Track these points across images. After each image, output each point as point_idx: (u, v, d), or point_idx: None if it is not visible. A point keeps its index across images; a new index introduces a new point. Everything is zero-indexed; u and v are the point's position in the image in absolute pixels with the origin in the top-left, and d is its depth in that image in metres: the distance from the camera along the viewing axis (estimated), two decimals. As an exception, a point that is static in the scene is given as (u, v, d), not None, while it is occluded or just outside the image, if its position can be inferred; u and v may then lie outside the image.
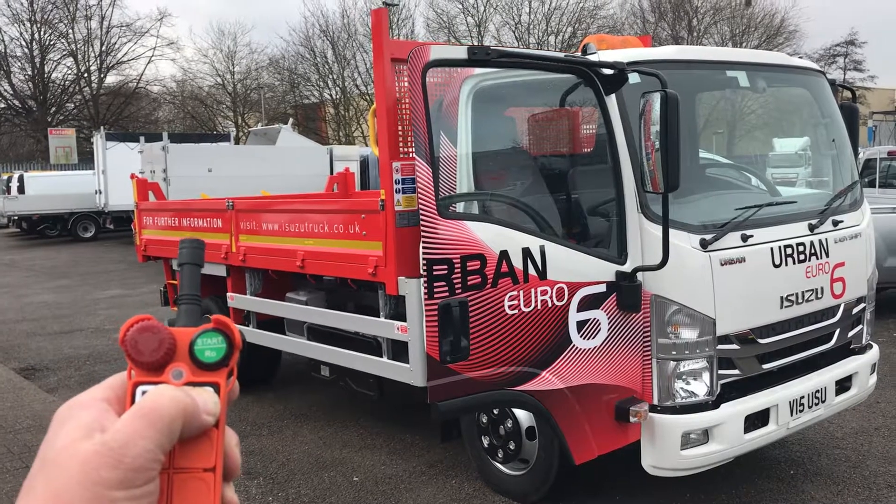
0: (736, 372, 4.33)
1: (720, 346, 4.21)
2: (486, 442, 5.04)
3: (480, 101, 4.55)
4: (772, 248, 4.37)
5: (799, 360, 4.64)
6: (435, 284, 3.70)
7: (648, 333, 4.18)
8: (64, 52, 43.53)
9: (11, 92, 42.45)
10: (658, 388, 4.19)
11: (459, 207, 4.34)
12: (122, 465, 0.59)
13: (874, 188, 13.24)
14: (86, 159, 34.25)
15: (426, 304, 3.75)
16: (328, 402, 7.18)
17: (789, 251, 4.45)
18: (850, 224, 4.88)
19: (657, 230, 3.95)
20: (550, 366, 4.04)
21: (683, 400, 4.18)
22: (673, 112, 3.69)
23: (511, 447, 4.85)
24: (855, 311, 4.95)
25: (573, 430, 4.16)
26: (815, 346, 4.73)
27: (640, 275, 4.13)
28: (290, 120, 28.46)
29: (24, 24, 41.81)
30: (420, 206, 3.75)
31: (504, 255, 3.85)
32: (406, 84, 4.24)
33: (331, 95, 43.48)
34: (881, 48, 72.31)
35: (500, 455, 4.95)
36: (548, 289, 3.98)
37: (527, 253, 3.92)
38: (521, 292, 3.90)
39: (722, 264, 4.16)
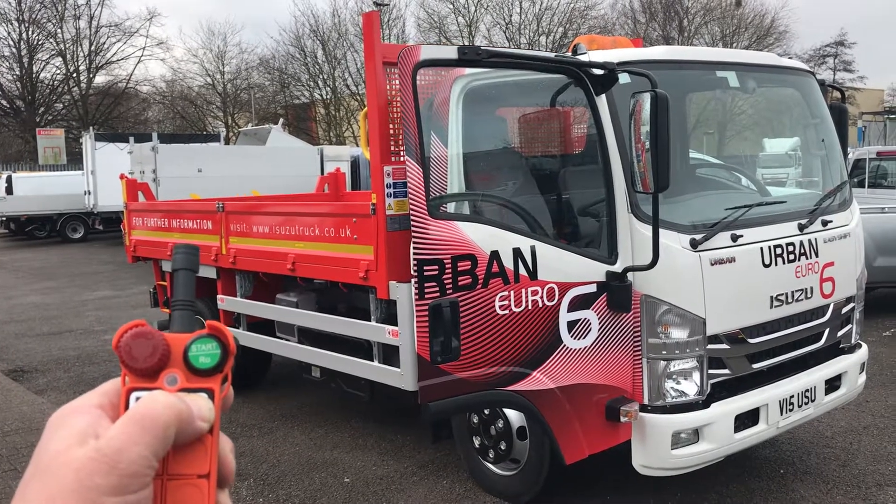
0: (726, 371, 4.34)
1: (710, 346, 4.22)
2: (476, 442, 5.04)
3: (471, 102, 4.55)
4: (761, 248, 4.39)
5: (789, 359, 4.66)
6: (426, 285, 3.70)
7: (639, 333, 4.19)
8: (52, 52, 43.34)
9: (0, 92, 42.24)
10: (648, 387, 4.19)
11: (450, 208, 4.34)
12: (116, 472, 0.59)
13: (863, 188, 13.32)
14: (75, 160, 34.09)
15: (417, 305, 3.74)
16: (319, 403, 7.16)
17: (779, 251, 4.46)
18: (839, 224, 4.90)
19: (647, 230, 3.96)
20: (541, 366, 4.04)
21: (674, 399, 4.19)
22: (663, 112, 3.70)
23: (502, 447, 4.85)
24: (844, 310, 4.97)
25: (564, 430, 4.16)
26: (804, 346, 4.75)
27: (630, 275, 4.13)
28: (281, 120, 28.44)
29: (11, 24, 41.63)
30: (410, 206, 3.74)
31: (495, 255, 3.85)
32: (397, 86, 4.23)
33: (321, 95, 43.43)
34: (871, 49, 72.70)
35: (491, 455, 4.95)
36: (538, 289, 3.98)
37: (517, 253, 3.92)
38: (512, 293, 3.90)
39: (712, 264, 4.17)
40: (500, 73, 4.48)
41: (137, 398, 0.65)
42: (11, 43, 41.74)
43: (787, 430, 4.89)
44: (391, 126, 4.70)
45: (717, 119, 6.55)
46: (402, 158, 4.62)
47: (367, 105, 4.81)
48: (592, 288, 4.13)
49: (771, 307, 4.45)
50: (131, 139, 19.90)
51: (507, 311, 3.89)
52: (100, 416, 0.64)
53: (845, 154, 5.47)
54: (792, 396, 4.56)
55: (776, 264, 4.44)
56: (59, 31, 42.71)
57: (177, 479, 0.65)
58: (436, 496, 5.12)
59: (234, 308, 6.79)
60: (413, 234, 3.73)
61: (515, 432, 4.77)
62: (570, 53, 4.32)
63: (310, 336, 6.12)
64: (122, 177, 9.16)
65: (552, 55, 4.29)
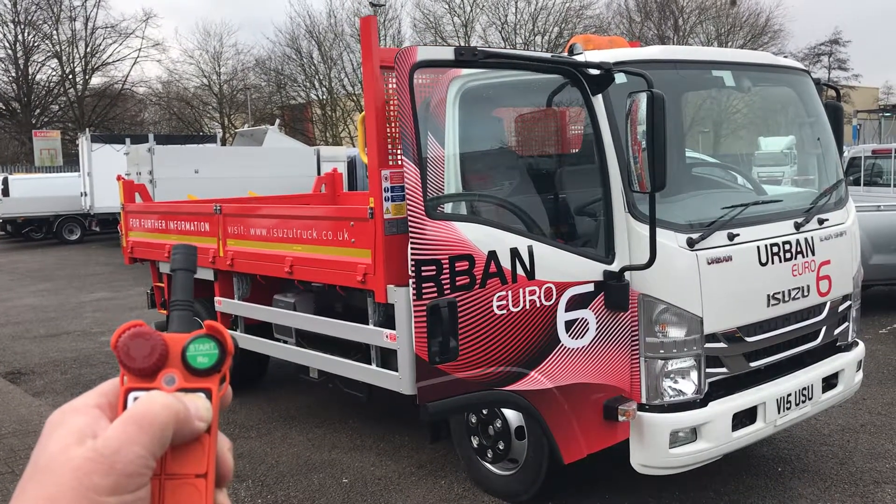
0: (723, 370, 4.35)
1: (707, 345, 4.23)
2: (475, 442, 5.04)
3: (468, 102, 4.55)
4: (758, 247, 4.40)
5: (786, 357, 4.67)
6: (423, 285, 3.70)
7: (636, 333, 4.20)
8: (48, 54, 43.24)
9: (-5, 94, 42.19)
10: (646, 386, 4.20)
11: (447, 208, 4.34)
12: (114, 471, 0.60)
13: (859, 186, 13.35)
14: (71, 161, 34.00)
15: (415, 305, 3.74)
16: (317, 403, 7.16)
17: (775, 249, 4.47)
18: (835, 222, 4.92)
19: (644, 229, 3.97)
20: (539, 366, 4.05)
21: (671, 398, 4.20)
22: (659, 112, 3.71)
23: (500, 447, 4.85)
24: (841, 308, 4.99)
25: (562, 430, 4.17)
26: (801, 344, 4.76)
27: (627, 274, 4.14)
28: (277, 121, 28.40)
29: (7, 26, 41.54)
30: (408, 206, 3.75)
31: (492, 255, 3.86)
32: (394, 88, 4.24)
33: (317, 96, 43.39)
34: (865, 47, 72.85)
35: (489, 455, 4.95)
36: (536, 289, 3.99)
37: (515, 253, 3.93)
38: (510, 292, 3.91)
39: (709, 263, 4.18)
40: (497, 73, 4.49)
41: (135, 398, 0.65)
42: (7, 44, 41.70)
43: (785, 429, 4.89)
44: (389, 130, 4.69)
45: (713, 118, 6.56)
46: (399, 160, 4.63)
47: (364, 109, 4.81)
48: (590, 287, 4.14)
49: (768, 306, 4.46)
50: (128, 140, 19.88)
51: (504, 311, 3.90)
52: (98, 416, 0.64)
53: (840, 152, 5.49)
54: (789, 395, 4.57)
55: (773, 263, 4.45)
56: (54, 32, 42.67)
57: (175, 479, 0.65)
58: (434, 496, 5.12)
59: (231, 310, 6.79)
60: (410, 234, 3.74)
61: (514, 432, 4.78)
62: (566, 53, 4.33)
63: (308, 337, 6.12)
64: (118, 178, 9.15)
65: (548, 55, 4.29)
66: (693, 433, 4.23)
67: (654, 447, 4.18)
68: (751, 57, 5.16)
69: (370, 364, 5.29)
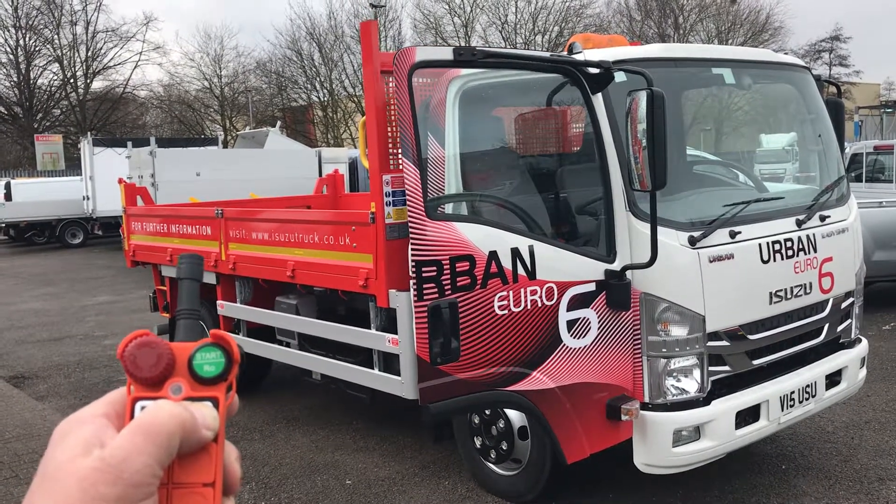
0: (726, 368, 4.34)
1: (710, 343, 4.21)
2: (478, 442, 5.04)
3: (467, 102, 4.54)
4: (760, 245, 4.39)
5: (789, 355, 4.66)
6: (424, 286, 3.70)
7: (638, 331, 4.19)
8: (49, 58, 43.33)
9: (-3, 98, 42.25)
10: (649, 385, 4.19)
11: (448, 208, 4.34)
12: (121, 481, 0.60)
13: (861, 182, 13.33)
14: (73, 165, 34.06)
15: (416, 306, 3.74)
16: (320, 405, 7.16)
17: (777, 247, 4.46)
18: (837, 219, 4.91)
19: (645, 228, 3.96)
20: (541, 365, 4.04)
21: (674, 397, 4.19)
22: (659, 110, 3.70)
23: (503, 447, 4.85)
24: (844, 305, 4.97)
25: (565, 430, 4.16)
26: (804, 342, 4.75)
27: (629, 273, 4.13)
28: (278, 123, 28.42)
29: (8, 31, 41.63)
30: (408, 207, 3.74)
31: (493, 255, 3.85)
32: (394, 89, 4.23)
33: (318, 98, 43.43)
34: (866, 43, 72.77)
35: (492, 455, 4.94)
36: (537, 288, 3.98)
37: (516, 253, 3.92)
38: (511, 292, 3.90)
39: (710, 261, 4.17)
40: (497, 73, 4.48)
41: (142, 407, 0.66)
42: (9, 49, 41.78)
43: (789, 426, 4.88)
44: (390, 134, 4.68)
45: (713, 116, 6.55)
46: (398, 161, 4.62)
47: (365, 114, 4.80)
48: (591, 287, 4.13)
49: (770, 303, 4.45)
50: (129, 144, 19.89)
51: (506, 312, 3.89)
52: (105, 425, 0.64)
53: (842, 149, 5.48)
54: (793, 392, 4.56)
55: (775, 260, 4.44)
56: (55, 36, 42.75)
57: (182, 488, 0.65)
58: (438, 497, 5.12)
59: (234, 314, 6.78)
60: (411, 235, 3.73)
61: (517, 432, 4.77)
62: (565, 52, 4.32)
63: (310, 339, 6.12)
64: (120, 181, 9.15)
65: (548, 55, 4.29)
66: (696, 432, 4.22)
67: (658, 446, 4.18)
68: (751, 54, 5.16)
69: (373, 368, 5.29)
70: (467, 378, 3.86)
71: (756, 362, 4.48)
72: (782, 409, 4.51)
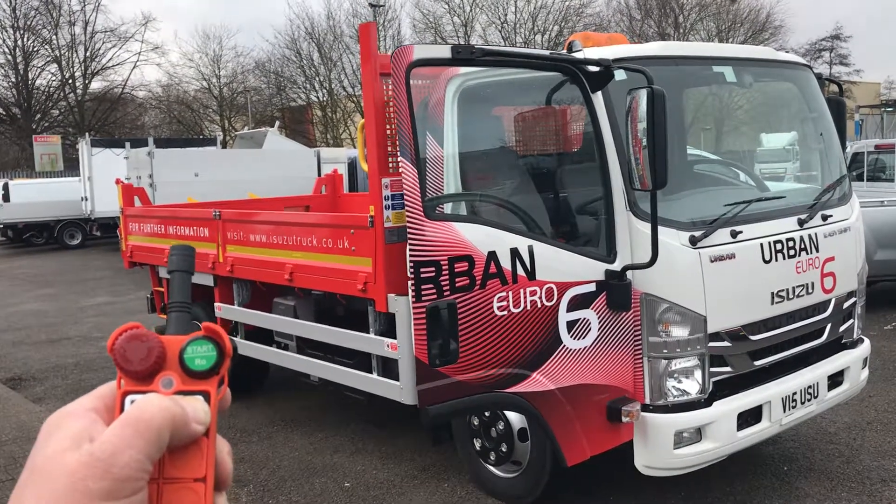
0: (728, 369, 4.30)
1: (711, 344, 4.18)
2: (477, 444, 5.00)
3: (466, 101, 4.50)
4: (761, 244, 4.35)
5: (791, 355, 4.62)
6: (423, 287, 3.66)
7: (639, 332, 4.15)
8: (48, 59, 43.27)
9: (-5, 99, 42.21)
10: (650, 387, 4.15)
11: (447, 208, 4.30)
12: (110, 476, 0.59)
13: (862, 182, 13.30)
14: (71, 166, 33.99)
15: (414, 307, 3.70)
16: (318, 407, 7.12)
17: (779, 247, 4.42)
18: (839, 218, 4.87)
19: (646, 228, 3.92)
20: (541, 367, 4.00)
21: (675, 398, 4.15)
22: (660, 108, 3.66)
23: (503, 449, 4.81)
24: (846, 305, 4.93)
25: (565, 432, 4.12)
26: (806, 342, 4.71)
27: (629, 273, 4.09)
28: (277, 123, 28.39)
29: (6, 31, 41.56)
30: (406, 207, 3.70)
31: (492, 255, 3.81)
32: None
33: (317, 98, 43.40)
34: (866, 42, 72.78)
35: (492, 457, 4.90)
36: (537, 289, 3.94)
37: (515, 253, 3.88)
38: (510, 293, 3.86)
39: (712, 261, 4.13)
40: (495, 72, 4.44)
41: (132, 401, 0.65)
42: (7, 50, 41.73)
43: (791, 427, 4.85)
44: (389, 137, 4.64)
45: (714, 114, 6.51)
46: (396, 160, 4.58)
47: (364, 116, 4.75)
48: (591, 287, 4.09)
49: (772, 303, 4.41)
50: (127, 144, 19.85)
51: (505, 312, 3.85)
52: (94, 419, 0.64)
53: (844, 148, 5.44)
54: (794, 393, 4.52)
55: (776, 260, 4.40)
56: (54, 37, 42.69)
57: (173, 483, 0.64)
58: (437, 500, 5.08)
59: (231, 317, 6.73)
60: (409, 235, 3.70)
61: (516, 434, 4.73)
62: (565, 51, 4.28)
63: (308, 341, 6.08)
64: (117, 182, 9.11)
65: (547, 52, 4.24)
66: (698, 433, 4.18)
67: (659, 448, 4.14)
68: (752, 52, 5.13)
69: (371, 370, 5.24)
70: (466, 380, 3.82)
71: (758, 363, 4.44)
72: (784, 411, 4.47)
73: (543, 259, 3.96)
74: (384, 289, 4.75)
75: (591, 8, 42.50)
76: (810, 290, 4.61)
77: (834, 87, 6.11)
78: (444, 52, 3.77)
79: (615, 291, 4.10)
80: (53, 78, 43.74)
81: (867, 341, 5.22)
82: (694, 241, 4.09)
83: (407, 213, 3.70)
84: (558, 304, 4.00)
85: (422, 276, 3.66)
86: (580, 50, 4.24)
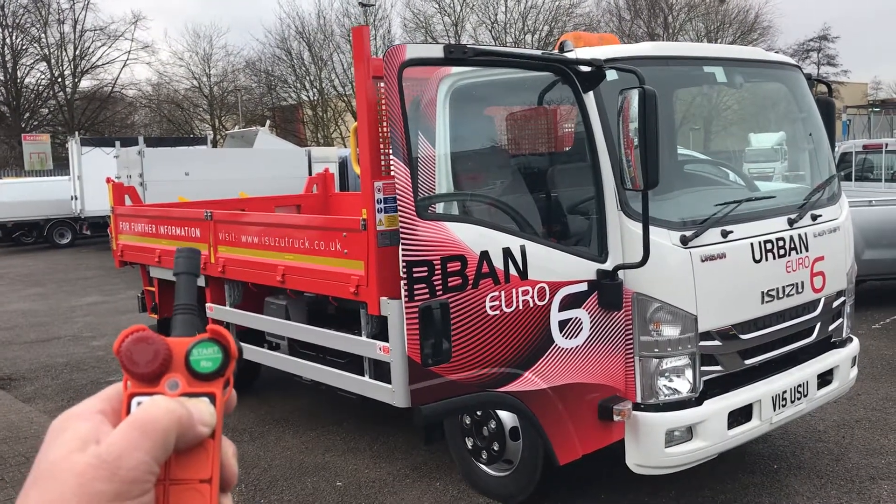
0: (718, 368, 4.33)
1: (702, 343, 4.20)
2: (469, 443, 5.01)
3: (458, 101, 4.51)
4: (752, 244, 4.37)
5: (781, 354, 4.65)
6: (415, 286, 3.67)
7: (630, 331, 4.17)
8: (37, 57, 42.98)
9: (-16, 98, 41.92)
10: (641, 386, 4.17)
11: (439, 208, 4.31)
12: (117, 478, 0.59)
13: (850, 181, 13.38)
14: (61, 165, 33.84)
15: (406, 307, 3.70)
16: (310, 405, 7.12)
17: (769, 246, 4.45)
18: (828, 218, 4.90)
19: (637, 228, 3.94)
20: (533, 366, 4.02)
21: (666, 397, 4.17)
22: (651, 108, 3.68)
23: (495, 448, 4.82)
24: (835, 304, 4.97)
25: (557, 431, 4.14)
26: (796, 341, 4.74)
27: (621, 273, 4.11)
28: (268, 122, 28.34)
29: (-6, 29, 41.28)
30: (398, 207, 3.71)
31: (485, 255, 3.82)
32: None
33: (308, 97, 43.29)
34: (854, 43, 73.18)
35: (484, 456, 4.92)
36: (529, 289, 3.95)
37: (507, 253, 3.89)
38: (503, 293, 3.88)
39: (702, 261, 4.15)
40: (487, 71, 4.45)
41: (139, 403, 0.65)
42: (-5, 48, 41.43)
43: (781, 426, 4.87)
44: (381, 141, 4.64)
45: (704, 114, 6.54)
46: (389, 160, 4.58)
47: (356, 120, 4.75)
48: (583, 287, 4.11)
49: (762, 303, 4.44)
50: (118, 143, 19.73)
51: (497, 312, 3.86)
52: (101, 421, 0.64)
53: (833, 148, 5.47)
54: (784, 392, 4.55)
55: (766, 260, 4.43)
56: (43, 35, 42.41)
57: (179, 484, 0.65)
58: (429, 498, 5.08)
59: (223, 317, 6.71)
60: (402, 235, 3.70)
61: (508, 433, 4.75)
62: (557, 51, 4.29)
63: (300, 340, 6.07)
64: (108, 180, 9.07)
65: (539, 52, 4.25)
66: (688, 432, 4.20)
67: (650, 447, 4.16)
68: (743, 53, 5.15)
69: (363, 371, 5.25)
70: (459, 379, 3.82)
71: (748, 362, 4.47)
72: (774, 409, 4.50)
73: (535, 259, 3.98)
74: (376, 292, 4.75)
75: (581, 8, 42.59)
76: (800, 290, 4.64)
77: (823, 88, 6.14)
78: (436, 51, 3.77)
79: (607, 291, 4.12)
80: (42, 76, 43.51)
81: (856, 340, 5.25)
82: (685, 241, 4.11)
83: (399, 213, 3.71)
84: (550, 303, 4.02)
85: (414, 275, 3.67)
86: (572, 50, 4.26)
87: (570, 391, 4.12)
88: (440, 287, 3.71)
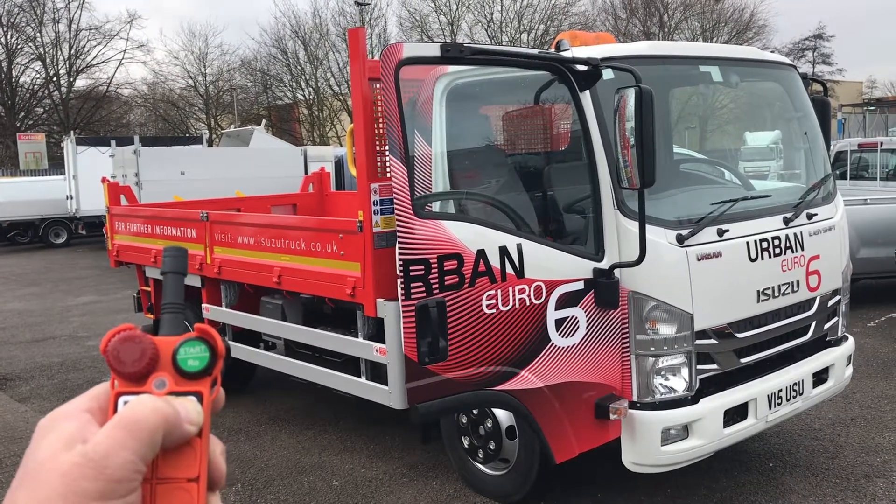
0: (714, 367, 4.33)
1: (698, 342, 4.21)
2: (466, 442, 5.01)
3: (454, 100, 4.52)
4: (748, 243, 4.38)
5: (776, 353, 4.66)
6: (412, 285, 3.67)
7: (627, 330, 4.18)
8: (32, 56, 42.88)
9: (-21, 97, 41.79)
10: (637, 384, 4.18)
11: (435, 207, 4.31)
12: (103, 477, 0.59)
13: (845, 180, 13.41)
14: (56, 164, 33.74)
15: (403, 306, 3.71)
16: (306, 405, 7.11)
17: (765, 245, 4.46)
18: (824, 217, 4.91)
19: (634, 226, 3.94)
20: (529, 364, 4.02)
21: (662, 396, 4.18)
22: (647, 107, 3.68)
23: (491, 447, 4.82)
24: (830, 303, 4.98)
25: (553, 429, 4.15)
26: (791, 339, 4.75)
27: (617, 271, 4.11)
28: (263, 121, 28.32)
29: (-11, 28, 41.16)
30: (395, 205, 3.71)
31: (481, 254, 3.82)
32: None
33: (304, 96, 43.25)
34: (849, 42, 73.32)
35: (480, 455, 4.92)
36: (525, 287, 3.96)
37: (504, 251, 3.89)
38: (499, 291, 3.88)
39: (698, 259, 4.16)
40: (483, 70, 4.45)
41: (126, 402, 0.65)
42: (-10, 47, 41.31)
43: (776, 424, 4.89)
44: (377, 142, 4.64)
45: (700, 114, 6.55)
46: (386, 158, 4.58)
47: (353, 121, 4.75)
48: (580, 285, 4.12)
49: (758, 301, 4.45)
50: (113, 143, 19.72)
51: (494, 311, 3.87)
52: (88, 420, 0.64)
53: (828, 147, 5.49)
54: (780, 390, 4.56)
55: (762, 258, 4.44)
56: (38, 34, 42.30)
57: (166, 483, 0.65)
58: (426, 497, 5.09)
59: (219, 318, 6.70)
60: (398, 234, 3.70)
61: (504, 432, 4.75)
62: (553, 50, 4.30)
63: (297, 343, 6.07)
64: (103, 180, 9.05)
65: (535, 51, 4.26)
66: (684, 430, 4.21)
67: (646, 445, 4.16)
68: (738, 52, 5.16)
69: (359, 372, 5.24)
70: (455, 378, 3.83)
71: (744, 360, 4.48)
72: (770, 408, 4.51)
73: (532, 257, 3.98)
74: (373, 293, 4.75)
75: (577, 7, 42.64)
76: (795, 288, 4.65)
77: (818, 87, 6.15)
78: (433, 50, 3.77)
79: (603, 289, 4.13)
80: (38, 76, 43.41)
81: (851, 339, 5.27)
82: (681, 240, 4.11)
83: (396, 212, 3.71)
84: (547, 302, 4.02)
85: (411, 274, 3.67)
86: (568, 49, 4.26)
87: (567, 390, 4.13)
88: (437, 285, 3.71)
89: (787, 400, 4.62)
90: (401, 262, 3.70)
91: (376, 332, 4.99)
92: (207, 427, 0.67)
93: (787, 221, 4.62)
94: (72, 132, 27.77)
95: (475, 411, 4.86)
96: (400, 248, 3.71)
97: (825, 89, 6.03)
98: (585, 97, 4.12)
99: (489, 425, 4.81)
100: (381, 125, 4.62)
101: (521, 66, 4.27)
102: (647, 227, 3.90)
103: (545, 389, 4.07)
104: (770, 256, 4.48)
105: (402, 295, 3.71)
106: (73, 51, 43.41)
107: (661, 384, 4.17)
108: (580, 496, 4.96)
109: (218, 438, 0.70)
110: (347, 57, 4.78)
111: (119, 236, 8.04)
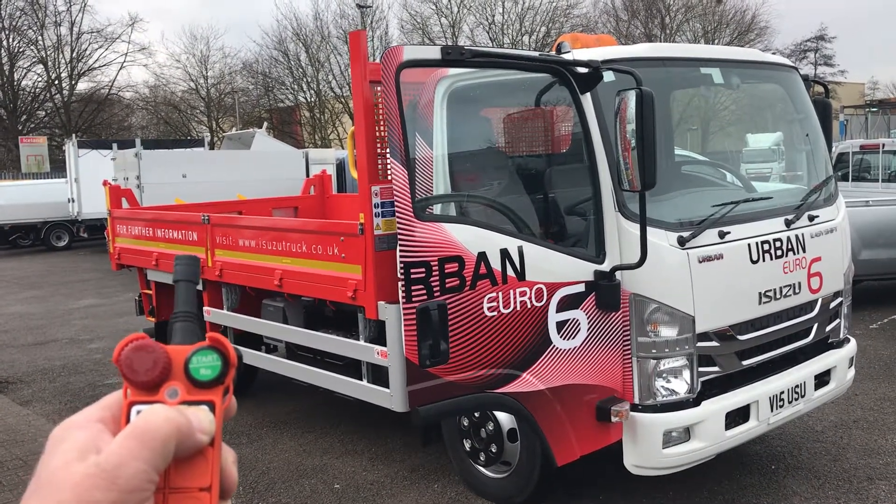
0: (716, 369, 4.33)
1: (700, 344, 4.20)
2: (467, 445, 5.00)
3: (455, 102, 4.52)
4: (749, 245, 4.38)
5: (778, 355, 4.65)
6: (413, 288, 3.67)
7: (628, 332, 4.17)
8: (34, 59, 42.94)
9: (-19, 100, 41.85)
10: (639, 386, 4.18)
11: (436, 209, 4.31)
12: (116, 487, 0.59)
13: (847, 182, 13.40)
14: (58, 167, 33.77)
15: (404, 308, 3.70)
16: (307, 408, 7.11)
17: (766, 247, 4.45)
18: (825, 219, 4.91)
19: (635, 228, 3.94)
20: (531, 367, 4.02)
21: (664, 398, 4.17)
22: (648, 110, 3.68)
23: (493, 450, 4.82)
24: (832, 305, 4.97)
25: (555, 432, 4.14)
26: (793, 342, 4.74)
27: (618, 274, 4.11)
28: (265, 124, 28.29)
29: (-9, 32, 41.23)
30: (396, 208, 3.71)
31: (482, 256, 3.82)
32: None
33: (305, 98, 43.30)
34: (850, 43, 73.33)
35: (481, 458, 4.91)
36: (527, 290, 3.96)
37: (505, 254, 3.89)
38: (500, 294, 3.88)
39: (700, 261, 4.15)
40: (484, 73, 4.45)
41: (138, 412, 0.65)
42: (-8, 51, 41.37)
43: (778, 426, 4.88)
44: (378, 145, 4.64)
45: (701, 115, 6.55)
46: (386, 161, 4.58)
47: (354, 123, 4.75)
48: (581, 288, 4.11)
49: (759, 303, 4.44)
50: (114, 146, 19.75)
51: (495, 313, 3.86)
52: (101, 430, 0.64)
53: (830, 148, 5.48)
54: (782, 392, 4.55)
55: (764, 260, 4.43)
56: (39, 38, 42.36)
57: (178, 493, 0.65)
58: (427, 500, 5.08)
59: (221, 321, 6.70)
60: (399, 236, 3.70)
61: (506, 434, 4.74)
62: (553, 52, 4.29)
63: (298, 346, 6.06)
64: (104, 183, 9.06)
65: (536, 54, 4.26)
66: (686, 433, 4.20)
67: (648, 447, 4.16)
68: (739, 54, 5.16)
69: (360, 374, 5.24)
70: (457, 380, 3.82)
71: (745, 363, 4.47)
72: (772, 410, 4.50)
73: (533, 260, 3.98)
74: (374, 296, 4.75)
75: (578, 9, 42.64)
76: (797, 290, 4.65)
77: (819, 89, 6.15)
78: (434, 53, 3.77)
79: (604, 292, 4.12)
80: (39, 79, 43.47)
81: (853, 341, 5.26)
82: (682, 242, 4.11)
83: (397, 214, 3.71)
84: (548, 304, 4.02)
85: (412, 276, 3.67)
86: (569, 51, 4.26)
87: (568, 392, 4.12)
88: (438, 288, 3.71)
89: (789, 402, 4.61)
90: (402, 265, 3.69)
91: (378, 334, 4.99)
92: (219, 436, 0.67)
93: (788, 223, 4.61)
94: (73, 135, 27.84)
95: (476, 414, 4.85)
96: (401, 251, 3.71)
97: (826, 91, 6.04)
98: (586, 99, 4.11)
99: (490, 428, 4.81)
100: (382, 128, 4.61)
101: (521, 69, 4.27)
102: (649, 229, 3.89)
103: (546, 392, 4.06)
104: (772, 258, 4.48)
105: (403, 297, 3.71)
106: (74, 54, 43.50)
107: (662, 386, 4.17)
108: (582, 499, 4.95)
109: (229, 447, 0.70)
110: (349, 59, 4.78)
111: (120, 239, 8.04)
